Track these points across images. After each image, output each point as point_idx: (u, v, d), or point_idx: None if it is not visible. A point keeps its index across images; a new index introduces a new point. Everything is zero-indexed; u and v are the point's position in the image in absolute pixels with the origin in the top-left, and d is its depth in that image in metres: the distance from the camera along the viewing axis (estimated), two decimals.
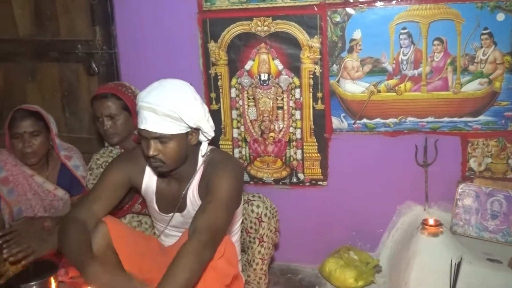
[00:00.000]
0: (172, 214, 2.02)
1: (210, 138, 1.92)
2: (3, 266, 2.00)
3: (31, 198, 2.54)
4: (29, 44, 3.01)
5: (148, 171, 2.01)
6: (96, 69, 2.88)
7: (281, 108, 2.65)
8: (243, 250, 2.30)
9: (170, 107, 1.76)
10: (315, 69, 2.56)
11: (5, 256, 2.02)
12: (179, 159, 1.87)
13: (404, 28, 2.45)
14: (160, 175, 1.98)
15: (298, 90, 2.61)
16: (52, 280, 2.13)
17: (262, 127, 2.70)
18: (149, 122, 1.77)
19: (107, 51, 2.84)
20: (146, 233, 2.29)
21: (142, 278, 1.85)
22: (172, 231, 2.09)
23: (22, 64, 3.05)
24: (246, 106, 2.69)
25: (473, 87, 2.45)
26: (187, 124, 1.81)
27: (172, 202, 2.01)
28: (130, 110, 2.33)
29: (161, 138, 1.79)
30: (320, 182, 2.70)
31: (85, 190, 2.39)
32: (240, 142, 2.75)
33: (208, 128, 1.88)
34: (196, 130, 1.87)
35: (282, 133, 2.68)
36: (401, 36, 2.46)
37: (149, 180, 2.01)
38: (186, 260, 1.61)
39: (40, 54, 3.00)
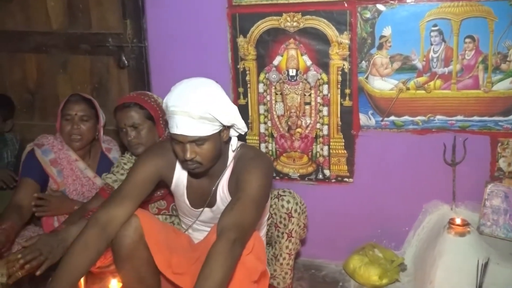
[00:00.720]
0: (201, 209, 2.03)
1: (242, 133, 1.93)
2: (13, 266, 1.99)
3: (71, 183, 2.59)
4: (61, 36, 3.05)
5: (179, 166, 2.01)
6: (126, 62, 2.92)
7: (309, 104, 2.65)
8: (269, 244, 2.31)
9: (205, 108, 1.75)
10: (343, 65, 2.56)
11: (21, 263, 1.94)
12: (214, 157, 1.88)
13: (435, 25, 2.42)
14: (195, 174, 1.97)
15: (326, 86, 2.61)
16: None
17: (289, 123, 2.70)
18: (184, 126, 1.76)
19: (137, 44, 2.88)
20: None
21: (172, 273, 1.88)
22: (200, 226, 2.11)
23: (54, 56, 3.11)
24: (273, 102, 2.69)
25: (504, 86, 2.41)
26: (221, 123, 1.81)
27: (202, 197, 2.02)
28: (154, 119, 2.34)
29: (198, 141, 1.79)
30: (346, 179, 2.70)
31: (103, 190, 2.40)
32: (266, 137, 2.76)
33: (242, 124, 1.88)
34: (228, 127, 1.88)
35: (309, 129, 2.68)
36: (432, 34, 2.43)
37: (180, 175, 2.02)
38: (219, 261, 1.61)
39: (72, 46, 3.05)
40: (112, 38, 2.94)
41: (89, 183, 2.64)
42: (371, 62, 2.52)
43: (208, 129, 1.79)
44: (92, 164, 2.67)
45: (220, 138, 1.87)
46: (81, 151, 2.60)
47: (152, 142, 2.34)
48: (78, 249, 1.79)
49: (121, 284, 2.32)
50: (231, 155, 1.97)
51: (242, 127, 1.90)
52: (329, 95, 2.61)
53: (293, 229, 2.24)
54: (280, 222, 2.24)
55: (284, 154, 2.76)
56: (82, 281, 2.38)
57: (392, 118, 2.57)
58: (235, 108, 1.87)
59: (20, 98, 3.25)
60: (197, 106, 1.75)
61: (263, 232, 2.19)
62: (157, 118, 2.34)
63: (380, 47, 2.49)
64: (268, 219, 2.23)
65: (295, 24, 2.57)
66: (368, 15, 2.47)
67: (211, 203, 2.00)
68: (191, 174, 1.99)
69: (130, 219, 1.88)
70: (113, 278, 2.39)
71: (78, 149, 2.59)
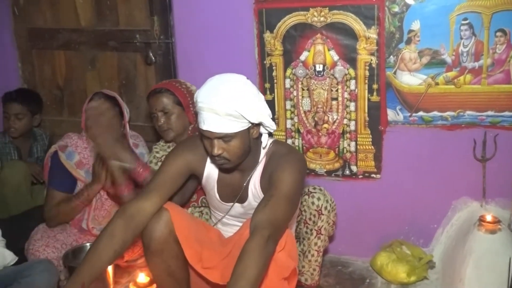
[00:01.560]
0: (232, 203, 2.03)
1: (271, 131, 1.92)
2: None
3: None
4: (90, 33, 3.10)
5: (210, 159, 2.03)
6: (153, 58, 2.94)
7: (336, 99, 2.64)
8: (296, 240, 2.30)
9: (231, 106, 1.75)
10: (371, 60, 2.53)
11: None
12: (243, 154, 1.88)
13: (465, 19, 2.38)
14: (225, 169, 1.98)
15: (353, 82, 2.59)
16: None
17: (315, 118, 2.69)
18: (211, 123, 1.77)
19: (164, 40, 2.90)
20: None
21: (202, 267, 1.89)
22: (230, 220, 2.11)
23: (83, 53, 3.15)
24: (300, 97, 2.68)
25: None
26: (249, 121, 1.81)
27: (233, 192, 2.02)
28: (183, 106, 2.36)
29: (225, 138, 1.80)
30: (373, 175, 2.68)
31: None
32: (293, 133, 2.75)
33: (270, 122, 1.87)
34: (258, 125, 1.88)
35: (336, 124, 2.67)
36: (462, 27, 2.39)
37: (211, 169, 2.03)
38: (253, 258, 1.61)
39: (100, 43, 3.09)
40: (140, 35, 2.96)
41: None
42: (399, 56, 2.49)
43: (234, 126, 1.79)
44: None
45: (249, 135, 1.87)
46: None
47: (182, 128, 2.39)
48: (104, 239, 1.82)
49: (149, 278, 2.35)
50: (263, 151, 1.96)
51: (270, 125, 1.89)
52: (356, 90, 2.59)
53: (322, 226, 2.23)
54: (310, 219, 2.23)
55: (310, 150, 2.74)
56: (111, 275, 2.41)
57: (421, 113, 2.53)
58: (263, 107, 1.86)
59: (49, 94, 3.31)
60: (223, 103, 1.75)
61: (293, 228, 2.19)
62: (186, 104, 2.37)
63: (409, 41, 2.46)
64: (297, 216, 2.23)
65: (322, 19, 2.55)
66: (396, 9, 2.44)
67: (242, 199, 2.01)
68: (222, 169, 2.00)
69: (160, 212, 1.89)
70: (141, 272, 2.41)
71: None
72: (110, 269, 2.38)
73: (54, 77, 3.28)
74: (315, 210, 2.20)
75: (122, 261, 2.58)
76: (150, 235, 1.89)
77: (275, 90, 2.72)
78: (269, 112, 1.88)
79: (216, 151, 1.81)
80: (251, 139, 1.88)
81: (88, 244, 2.47)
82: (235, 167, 1.94)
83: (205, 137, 1.84)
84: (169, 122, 2.37)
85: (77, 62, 3.20)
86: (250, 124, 1.83)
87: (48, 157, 2.64)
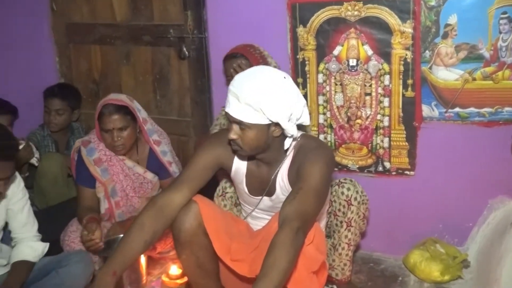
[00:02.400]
0: (260, 197, 2.04)
1: (288, 135, 1.88)
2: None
3: (122, 179, 2.66)
4: (125, 28, 3.14)
5: None
6: (186, 53, 2.96)
7: (369, 94, 2.60)
8: (328, 236, 2.30)
9: (253, 97, 1.75)
10: (406, 55, 2.49)
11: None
12: (256, 148, 1.87)
13: (504, 13, 2.31)
14: (253, 163, 1.99)
15: (387, 77, 2.55)
16: (142, 255, 2.25)
17: (348, 114, 2.66)
18: (231, 106, 1.79)
19: (197, 35, 2.91)
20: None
21: (230, 259, 1.90)
22: (259, 214, 2.11)
23: (118, 47, 3.20)
24: (333, 92, 2.66)
25: None
26: (268, 118, 1.79)
27: (261, 185, 2.02)
28: None
29: (241, 125, 1.81)
30: (407, 172, 2.63)
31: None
32: (325, 128, 2.73)
33: (289, 127, 1.82)
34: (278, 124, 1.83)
35: (369, 120, 2.64)
36: (501, 21, 2.32)
37: (240, 162, 2.03)
38: (282, 250, 1.61)
39: (135, 38, 3.12)
40: (173, 30, 2.99)
41: (139, 178, 2.69)
42: (435, 51, 2.44)
43: (251, 117, 1.78)
44: (141, 160, 2.70)
45: (269, 132, 1.84)
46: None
47: None
48: (134, 230, 1.85)
49: (181, 270, 2.38)
50: (290, 144, 1.95)
51: (286, 128, 1.83)
52: (390, 86, 2.56)
53: (352, 218, 2.20)
54: (339, 210, 2.21)
55: (343, 145, 2.72)
56: (144, 266, 2.45)
57: (457, 109, 2.48)
58: (292, 112, 1.81)
59: (85, 88, 3.37)
60: (246, 92, 1.76)
61: (323, 223, 2.18)
62: None
63: (445, 36, 2.41)
64: (328, 207, 2.21)
65: (356, 13, 2.52)
66: (432, 2, 2.39)
67: (270, 192, 2.01)
68: (238, 155, 2.00)
69: (189, 205, 1.92)
70: (173, 264, 2.45)
71: (123, 154, 2.65)
72: (143, 260, 2.42)
73: (90, 71, 3.34)
74: (345, 200, 2.18)
75: (155, 252, 2.62)
76: (179, 227, 1.92)
77: (308, 85, 2.70)
78: (304, 119, 1.87)
79: (231, 134, 1.83)
80: (271, 136, 1.86)
81: (121, 235, 2.51)
82: (263, 159, 1.95)
83: (228, 119, 1.86)
84: None
85: (112, 56, 3.24)
86: (270, 122, 1.81)
87: (74, 151, 2.69)
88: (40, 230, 2.52)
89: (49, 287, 2.19)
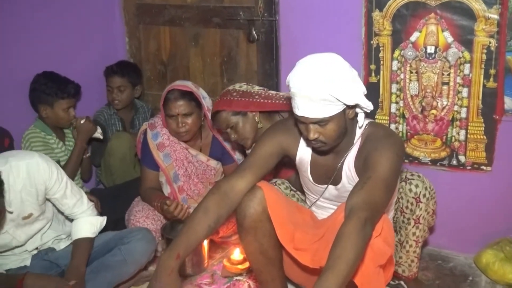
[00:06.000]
0: (326, 186, 1.99)
1: (368, 111, 1.83)
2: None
3: (186, 166, 2.67)
4: (194, 9, 3.12)
5: (303, 141, 2.00)
6: (256, 36, 2.91)
7: (447, 84, 2.47)
8: (394, 230, 2.21)
9: (325, 91, 1.69)
10: (489, 43, 2.34)
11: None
12: (339, 136, 1.83)
13: None
14: (319, 151, 1.94)
15: (467, 66, 2.41)
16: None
17: (423, 103, 2.54)
18: (305, 109, 1.74)
19: (267, 18, 2.85)
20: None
21: (293, 248, 1.86)
22: (325, 203, 2.07)
23: (187, 29, 3.19)
24: (407, 80, 2.54)
25: None
26: (344, 103, 1.74)
27: (326, 174, 1.98)
28: None
29: (320, 122, 1.76)
30: (483, 167, 2.49)
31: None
32: (397, 118, 2.62)
33: (366, 102, 1.78)
34: (354, 106, 1.80)
35: (445, 111, 2.51)
36: None
37: (304, 151, 2.00)
38: (350, 240, 1.55)
39: (204, 20, 3.10)
40: (244, 12, 2.94)
41: (202, 166, 2.69)
42: None
43: (330, 110, 1.73)
44: (204, 147, 2.71)
45: (345, 116, 1.81)
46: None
47: None
48: (199, 214, 1.85)
49: (243, 256, 2.36)
50: (358, 131, 1.90)
51: (366, 106, 1.80)
52: (470, 75, 2.41)
53: (420, 215, 2.12)
54: (407, 207, 2.12)
55: (415, 136, 2.60)
56: (206, 249, 2.45)
57: None
58: (360, 87, 1.78)
59: (153, 69, 3.39)
60: (317, 89, 1.70)
61: (390, 215, 2.11)
62: None
63: None
64: (394, 203, 2.13)
65: None
66: None
67: (335, 181, 1.96)
68: (316, 151, 1.96)
69: (254, 190, 1.90)
70: (235, 249, 2.44)
71: (187, 141, 2.65)
72: (205, 243, 2.43)
73: (159, 53, 3.35)
74: (413, 197, 2.10)
75: (217, 236, 2.62)
76: (244, 213, 1.90)
77: (381, 72, 2.59)
78: (363, 89, 1.80)
79: (312, 135, 1.78)
80: (347, 119, 1.82)
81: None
82: (332, 149, 1.90)
83: (300, 122, 1.81)
84: None
85: (181, 38, 3.24)
86: (345, 106, 1.77)
87: (141, 133, 2.72)
88: (106, 207, 2.58)
89: (112, 264, 2.23)
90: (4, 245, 2.09)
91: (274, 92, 2.44)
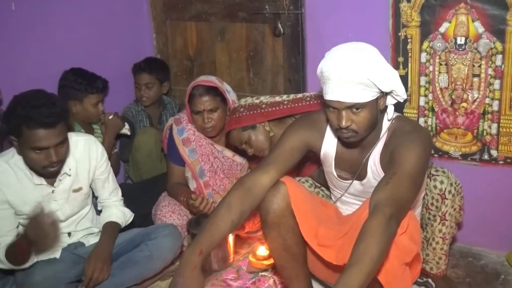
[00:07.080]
0: (350, 181, 1.96)
1: (401, 100, 1.81)
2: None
3: (212, 161, 2.68)
4: (220, 4, 3.12)
5: (328, 135, 1.97)
6: (281, 30, 2.88)
7: (478, 76, 2.40)
8: (420, 227, 2.16)
9: (363, 74, 1.67)
10: None
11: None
12: (370, 126, 1.79)
13: None
14: (345, 144, 1.92)
15: (499, 57, 2.32)
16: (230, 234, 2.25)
17: (453, 96, 2.47)
18: (340, 92, 1.70)
19: (293, 11, 2.82)
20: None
21: (317, 244, 1.84)
22: (349, 199, 2.04)
23: (213, 24, 3.19)
24: (436, 73, 2.48)
25: None
26: (380, 90, 1.72)
27: (351, 169, 1.95)
28: None
29: (354, 108, 1.72)
30: None
31: None
32: (426, 111, 2.55)
33: (402, 89, 1.77)
34: (386, 94, 1.77)
35: (476, 103, 2.43)
36: None
37: (329, 145, 1.97)
38: (375, 236, 1.53)
39: (230, 14, 3.09)
40: (269, 5, 2.92)
41: (228, 161, 2.69)
42: None
43: (366, 95, 1.70)
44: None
45: (377, 106, 1.78)
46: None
47: None
48: (222, 209, 1.85)
49: (268, 252, 2.35)
50: (385, 126, 1.87)
51: (401, 93, 1.78)
52: (502, 67, 2.33)
53: (446, 211, 2.06)
54: (432, 204, 2.07)
55: (445, 130, 2.53)
56: (231, 244, 2.45)
57: None
58: (395, 72, 1.77)
59: (180, 65, 3.41)
60: (355, 71, 1.68)
61: (417, 211, 2.06)
62: None
63: None
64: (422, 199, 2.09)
65: None
66: None
67: (361, 176, 1.93)
68: (342, 144, 1.93)
69: (278, 186, 1.88)
70: (261, 245, 2.42)
71: (213, 137, 2.66)
72: (231, 238, 2.42)
73: (185, 48, 3.36)
74: (438, 194, 2.04)
75: (243, 231, 2.61)
76: (267, 208, 1.88)
77: (409, 65, 2.53)
78: (398, 76, 1.78)
79: (344, 122, 1.74)
80: (379, 110, 1.79)
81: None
82: (359, 142, 1.87)
83: (332, 109, 1.77)
84: None
85: (207, 33, 3.24)
86: (380, 94, 1.74)
87: (167, 129, 2.74)
88: (134, 202, 2.61)
89: (139, 259, 2.26)
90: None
91: (280, 97, 2.47)
